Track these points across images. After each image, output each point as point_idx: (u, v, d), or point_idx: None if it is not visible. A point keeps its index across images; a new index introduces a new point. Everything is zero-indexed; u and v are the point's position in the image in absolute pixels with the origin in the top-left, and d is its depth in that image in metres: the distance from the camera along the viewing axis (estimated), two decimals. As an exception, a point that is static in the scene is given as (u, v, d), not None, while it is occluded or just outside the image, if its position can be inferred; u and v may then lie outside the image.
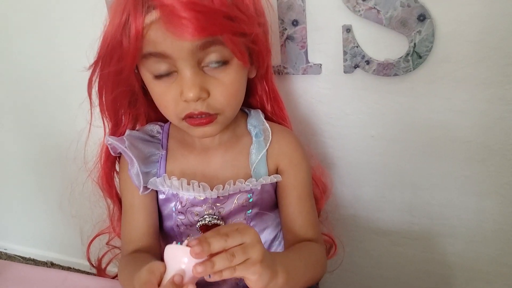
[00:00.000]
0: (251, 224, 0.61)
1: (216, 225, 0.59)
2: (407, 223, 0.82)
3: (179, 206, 0.60)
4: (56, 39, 0.98)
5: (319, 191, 0.72)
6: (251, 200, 0.60)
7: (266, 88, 0.64)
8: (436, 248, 0.82)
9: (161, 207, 0.63)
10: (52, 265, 1.34)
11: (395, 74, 0.68)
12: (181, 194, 0.59)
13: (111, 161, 0.65)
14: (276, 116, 0.66)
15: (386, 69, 0.68)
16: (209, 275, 0.40)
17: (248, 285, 0.44)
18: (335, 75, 0.73)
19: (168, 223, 0.63)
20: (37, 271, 0.61)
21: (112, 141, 0.59)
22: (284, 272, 0.46)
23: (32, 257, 1.37)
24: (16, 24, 1.02)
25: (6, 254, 1.42)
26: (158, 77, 0.52)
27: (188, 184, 0.58)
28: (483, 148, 0.70)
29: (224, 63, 0.51)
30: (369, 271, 0.90)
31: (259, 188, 0.59)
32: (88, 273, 1.21)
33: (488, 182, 0.73)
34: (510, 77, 0.64)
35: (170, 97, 0.52)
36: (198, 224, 0.59)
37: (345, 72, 0.72)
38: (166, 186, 0.59)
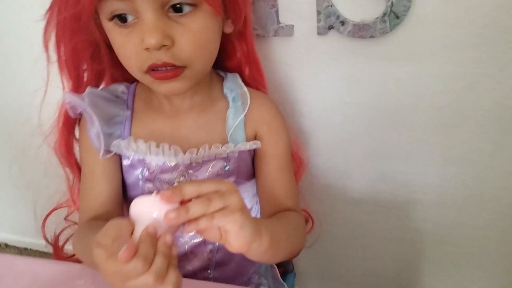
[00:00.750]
0: None
1: None
2: (380, 192, 0.81)
3: (146, 173, 0.55)
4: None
5: (295, 165, 0.69)
6: (227, 169, 0.56)
7: (245, 48, 0.59)
8: (408, 215, 0.82)
9: (125, 174, 0.57)
10: (6, 246, 1.26)
11: (371, 36, 0.65)
12: (149, 159, 0.54)
13: (71, 124, 0.59)
14: (255, 81, 0.62)
15: (362, 31, 0.65)
16: (184, 225, 0.36)
17: (229, 247, 0.40)
18: (308, 37, 0.69)
19: (133, 193, 0.58)
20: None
21: (71, 98, 0.53)
22: (268, 235, 0.43)
23: (-16, 239, 1.28)
24: None
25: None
26: (118, 24, 0.46)
27: (158, 147, 0.53)
28: (456, 113, 0.69)
29: (191, 5, 0.45)
30: (342, 241, 0.90)
31: (236, 155, 0.56)
32: (44, 253, 1.15)
33: (460, 148, 0.72)
34: (486, 39, 0.62)
35: (131, 46, 0.47)
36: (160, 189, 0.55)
37: (318, 34, 0.67)
38: (131, 150, 0.54)
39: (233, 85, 0.58)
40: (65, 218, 0.68)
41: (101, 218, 0.56)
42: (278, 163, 0.59)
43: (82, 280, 0.47)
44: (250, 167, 0.60)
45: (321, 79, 0.73)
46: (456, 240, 0.83)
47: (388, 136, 0.75)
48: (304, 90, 0.75)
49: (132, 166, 0.56)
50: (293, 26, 0.68)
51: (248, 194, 0.61)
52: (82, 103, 0.53)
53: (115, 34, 0.48)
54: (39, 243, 1.19)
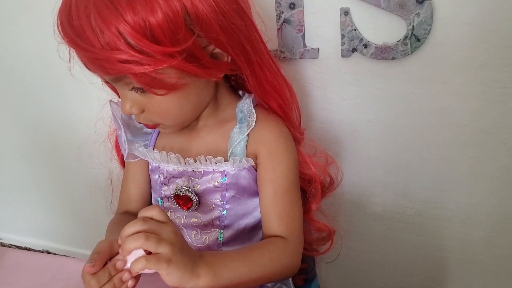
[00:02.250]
0: (227, 207, 0.61)
1: (187, 197, 0.60)
2: (403, 207, 0.83)
3: (162, 178, 0.63)
4: (45, 26, 0.96)
5: (325, 182, 0.70)
6: (223, 180, 0.59)
7: (254, 81, 0.59)
8: (431, 231, 0.83)
9: (150, 178, 0.67)
10: (48, 253, 1.34)
11: (393, 58, 0.68)
12: (162, 166, 0.62)
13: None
14: (263, 107, 0.63)
15: (384, 53, 0.68)
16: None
17: None
18: (332, 59, 0.73)
19: (154, 195, 0.67)
20: (34, 257, 0.61)
21: (112, 105, 0.63)
22: (209, 275, 0.47)
23: (28, 246, 1.36)
24: (4, 11, 0.99)
25: (1, 243, 1.42)
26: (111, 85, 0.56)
27: (167, 156, 0.61)
28: (479, 131, 0.71)
29: (144, 91, 0.51)
30: (365, 256, 0.91)
31: (232, 171, 0.59)
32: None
33: (483, 165, 0.73)
34: (507, 60, 0.64)
35: None
36: (173, 193, 0.62)
37: (342, 56, 0.71)
38: (150, 158, 0.63)
39: (245, 106, 0.60)
40: None
41: (131, 213, 0.67)
42: (274, 188, 0.59)
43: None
44: (252, 187, 0.61)
45: (345, 98, 0.76)
46: (483, 259, 0.82)
47: (411, 153, 0.77)
48: (330, 109, 0.78)
49: (153, 171, 0.65)
50: (318, 49, 0.72)
51: (252, 211, 0.63)
52: (116, 112, 0.63)
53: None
54: (78, 252, 1.26)
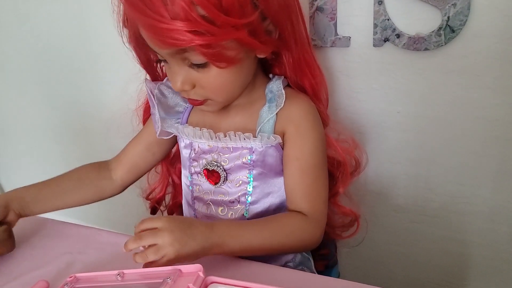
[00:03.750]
0: (254, 185, 0.63)
1: (215, 172, 0.63)
2: (427, 200, 0.82)
3: (193, 154, 0.65)
4: (80, 7, 1.00)
5: (351, 166, 0.71)
6: (250, 157, 0.61)
7: (291, 59, 0.62)
8: (455, 226, 0.82)
9: (181, 155, 0.68)
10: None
11: (426, 49, 0.67)
12: (194, 141, 0.64)
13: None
14: (303, 86, 0.65)
15: (417, 43, 0.68)
16: None
17: None
18: (364, 48, 0.73)
19: (185, 171, 0.68)
20: (70, 227, 0.64)
21: (147, 84, 0.65)
22: (219, 245, 0.52)
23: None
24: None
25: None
26: (160, 61, 0.58)
27: (200, 131, 0.63)
28: (510, 126, 0.70)
29: (201, 65, 0.52)
30: (386, 247, 0.91)
31: (259, 148, 0.60)
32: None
33: (513, 161, 0.72)
34: (544, 55, 0.62)
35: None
36: (202, 168, 0.64)
37: (374, 45, 0.71)
38: (183, 133, 0.65)
39: (275, 87, 0.62)
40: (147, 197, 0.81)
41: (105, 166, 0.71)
42: (300, 165, 0.60)
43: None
44: (279, 165, 0.63)
45: (375, 88, 0.76)
46: (508, 257, 0.81)
47: (438, 146, 0.77)
48: (358, 98, 0.78)
49: (185, 147, 0.67)
50: (350, 37, 0.72)
51: (279, 189, 0.64)
52: (151, 90, 0.65)
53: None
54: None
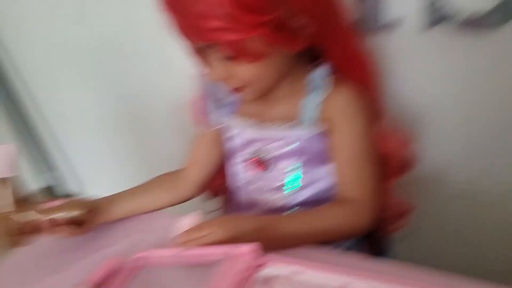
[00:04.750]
0: (300, 172, 0.64)
1: (262, 160, 0.65)
2: (484, 187, 0.80)
3: (241, 143, 0.68)
4: (131, 4, 1.05)
5: (404, 159, 0.69)
6: (296, 145, 0.62)
7: (334, 51, 0.61)
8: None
9: (228, 145, 0.71)
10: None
11: (482, 30, 0.65)
12: (242, 131, 0.67)
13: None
14: (348, 73, 0.63)
15: (472, 24, 0.65)
16: None
17: None
18: (415, 31, 0.71)
19: (232, 160, 0.71)
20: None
21: (199, 78, 0.68)
22: (268, 229, 0.55)
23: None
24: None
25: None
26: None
27: (246, 121, 0.65)
28: None
29: (233, 58, 0.55)
30: (442, 235, 0.89)
31: (304, 136, 0.62)
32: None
33: None
34: None
35: None
36: (250, 157, 0.66)
37: (426, 27, 0.69)
38: (232, 124, 0.67)
39: (319, 75, 0.62)
40: None
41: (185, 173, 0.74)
42: (349, 152, 0.61)
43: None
44: (325, 152, 0.63)
45: (428, 72, 0.74)
46: None
47: (498, 131, 0.74)
48: (411, 83, 0.77)
49: (233, 137, 0.69)
50: (400, 19, 0.71)
51: (326, 176, 0.65)
52: (202, 85, 0.68)
53: None
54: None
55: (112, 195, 0.71)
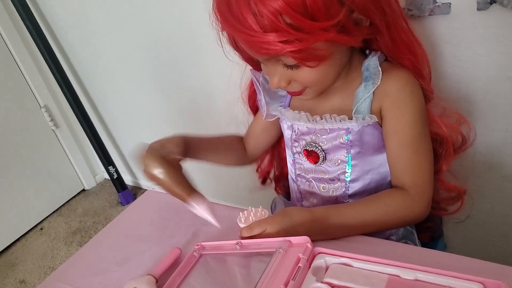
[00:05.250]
0: (352, 163, 0.65)
1: (314, 152, 0.66)
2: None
3: (294, 135, 0.69)
4: (186, 4, 1.09)
5: (457, 142, 0.68)
6: (347, 137, 0.63)
7: (386, 40, 0.60)
8: None
9: (284, 135, 0.74)
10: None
11: (540, 7, 0.62)
12: (294, 124, 0.68)
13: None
14: (400, 60, 0.62)
15: (529, 2, 0.62)
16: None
17: None
18: (466, 13, 0.69)
19: (288, 151, 0.73)
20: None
21: (253, 73, 0.71)
22: (321, 219, 0.58)
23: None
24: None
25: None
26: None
27: (298, 114, 0.66)
28: None
29: (294, 66, 0.55)
30: (496, 219, 0.87)
31: (356, 128, 0.62)
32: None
33: None
34: None
35: None
36: (302, 149, 0.68)
37: (478, 9, 0.67)
38: (285, 116, 0.69)
39: (371, 64, 0.61)
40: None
41: (243, 143, 0.81)
42: (399, 138, 0.60)
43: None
44: (378, 142, 0.63)
45: (481, 54, 0.72)
46: None
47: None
48: (462, 66, 0.75)
49: (287, 129, 0.71)
50: (450, 3, 0.69)
51: (378, 166, 0.65)
52: (256, 78, 0.70)
53: None
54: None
55: (199, 139, 0.73)
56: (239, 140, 0.81)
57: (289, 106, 0.71)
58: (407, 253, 0.54)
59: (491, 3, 0.65)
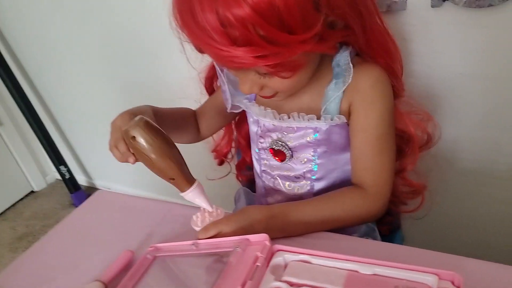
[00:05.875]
0: (319, 162, 0.63)
1: (281, 151, 0.64)
2: (495, 163, 0.79)
3: (259, 131, 0.67)
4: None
5: (422, 140, 0.68)
6: (315, 136, 0.61)
7: (361, 42, 0.58)
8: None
9: (250, 129, 0.71)
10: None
11: (490, 5, 0.63)
12: (260, 120, 0.65)
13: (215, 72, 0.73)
14: (373, 54, 0.60)
15: (480, 0, 0.64)
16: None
17: None
18: (421, 10, 0.70)
19: (253, 146, 0.71)
20: (145, 202, 0.71)
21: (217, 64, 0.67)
22: (279, 216, 0.56)
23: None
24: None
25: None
26: None
27: (265, 110, 0.64)
28: None
29: (267, 75, 0.52)
30: (452, 211, 0.90)
31: (324, 127, 0.60)
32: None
33: None
34: None
35: None
36: (269, 146, 0.66)
37: (432, 6, 0.68)
38: (251, 111, 0.66)
39: (341, 60, 0.58)
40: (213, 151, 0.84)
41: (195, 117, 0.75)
42: (365, 137, 0.59)
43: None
44: (345, 141, 0.62)
45: (436, 51, 0.73)
46: None
47: (506, 106, 0.73)
48: (419, 62, 0.76)
49: (253, 123, 0.68)
50: (406, 0, 0.70)
51: (343, 165, 0.64)
52: (220, 68, 0.66)
53: None
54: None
55: (162, 113, 0.67)
56: (194, 117, 0.76)
57: (255, 100, 0.68)
58: (366, 248, 0.54)
59: (444, 0, 0.66)
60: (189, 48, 0.53)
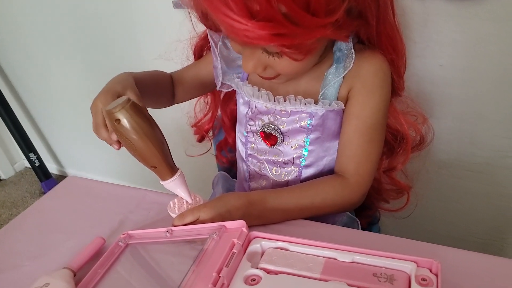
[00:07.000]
0: (310, 149, 0.62)
1: (272, 135, 0.62)
2: (471, 156, 0.80)
3: (250, 113, 0.64)
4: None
5: (415, 140, 0.67)
6: (309, 122, 0.60)
7: (371, 33, 0.56)
8: (500, 180, 0.80)
9: (238, 111, 0.68)
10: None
11: (471, -4, 0.64)
12: (252, 101, 0.63)
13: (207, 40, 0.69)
14: (378, 42, 0.58)
15: (462, -9, 0.64)
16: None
17: None
18: (401, 0, 0.69)
19: (240, 128, 0.68)
20: (119, 189, 0.68)
21: (211, 35, 0.64)
22: (258, 202, 0.55)
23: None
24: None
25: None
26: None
27: (258, 91, 0.61)
28: None
29: (276, 54, 0.50)
30: (429, 204, 0.91)
31: (320, 113, 0.59)
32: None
33: None
34: None
35: None
36: (259, 129, 0.63)
37: (415, -4, 0.68)
38: (242, 91, 0.63)
39: (344, 45, 0.57)
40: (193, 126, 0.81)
41: (172, 80, 0.70)
42: (358, 124, 0.58)
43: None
44: (338, 128, 0.60)
45: (416, 41, 0.73)
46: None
47: (486, 99, 0.74)
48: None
49: (243, 104, 0.65)
50: (389, -12, 0.69)
51: (334, 152, 0.63)
52: (215, 42, 0.63)
53: None
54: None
55: (140, 80, 0.61)
56: (170, 82, 0.70)
57: (247, 80, 0.64)
58: (345, 236, 0.53)
59: (427, -10, 0.66)
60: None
